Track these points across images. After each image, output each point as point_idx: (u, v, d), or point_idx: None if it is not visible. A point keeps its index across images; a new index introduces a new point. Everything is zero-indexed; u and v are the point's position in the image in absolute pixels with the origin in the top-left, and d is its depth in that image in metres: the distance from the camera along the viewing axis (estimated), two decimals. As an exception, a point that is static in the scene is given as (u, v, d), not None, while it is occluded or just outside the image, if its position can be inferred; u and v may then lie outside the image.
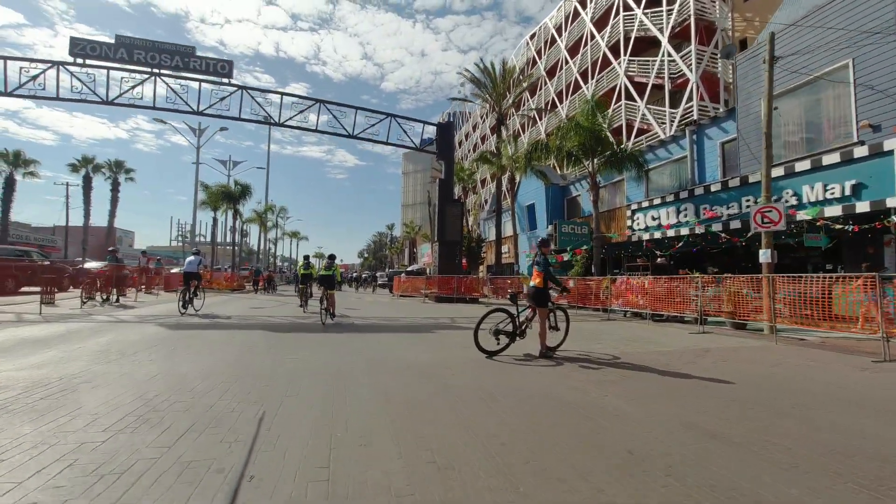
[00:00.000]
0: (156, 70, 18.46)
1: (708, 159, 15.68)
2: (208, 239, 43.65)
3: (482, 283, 21.65)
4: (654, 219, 16.74)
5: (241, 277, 26.63)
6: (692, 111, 21.13)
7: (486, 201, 49.53)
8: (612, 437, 3.00)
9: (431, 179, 43.28)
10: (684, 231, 14.97)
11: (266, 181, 35.36)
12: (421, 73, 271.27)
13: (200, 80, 19.04)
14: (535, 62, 37.90)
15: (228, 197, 28.96)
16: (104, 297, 14.15)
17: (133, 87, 18.41)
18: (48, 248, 51.55)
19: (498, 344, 5.97)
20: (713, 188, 14.16)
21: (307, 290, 14.08)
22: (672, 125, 22.10)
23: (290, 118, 20.27)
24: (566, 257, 20.08)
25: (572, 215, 24.73)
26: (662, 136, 20.20)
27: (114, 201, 44.59)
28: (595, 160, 16.57)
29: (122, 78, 18.36)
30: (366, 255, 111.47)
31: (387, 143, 21.58)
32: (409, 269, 38.43)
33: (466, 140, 59.06)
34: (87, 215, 43.70)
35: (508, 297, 6.13)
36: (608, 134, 17.51)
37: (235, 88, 19.52)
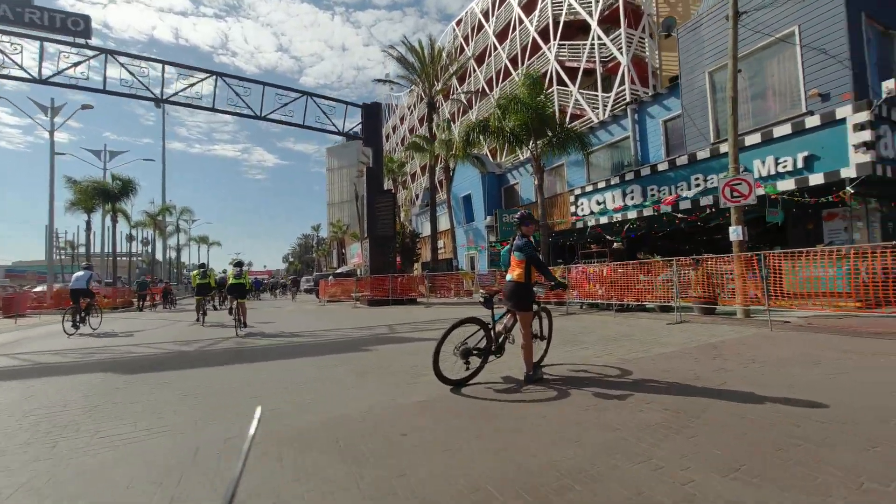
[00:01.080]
0: (-27, 22, 13.86)
1: (651, 139, 15.09)
2: (97, 249, 36.55)
3: (419, 282, 19.62)
4: (598, 203, 15.87)
5: (127, 292, 21.90)
6: (625, 94, 20.88)
7: (417, 196, 47.54)
8: None
9: (358, 174, 40.31)
10: (632, 214, 14.18)
11: (162, 176, 29.84)
12: (342, 68, 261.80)
13: (42, 39, 14.69)
14: (462, 49, 36.54)
15: (105, 195, 23.69)
16: None
17: (-58, 46, 13.64)
18: None
19: (467, 368, 3.99)
20: (660, 168, 13.45)
21: (204, 302, 12.63)
22: (606, 109, 21.75)
23: (177, 94, 16.56)
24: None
25: (511, 204, 23.59)
26: (596, 121, 19.62)
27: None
28: (539, 141, 15.28)
29: (-79, 31, 13.52)
30: (291, 260, 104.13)
31: (303, 127, 18.64)
32: (338, 271, 35.25)
33: (394, 133, 56.57)
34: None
35: (482, 300, 4.16)
36: (554, 111, 16.35)
37: (96, 51, 15.42)
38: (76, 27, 14.96)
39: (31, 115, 20.10)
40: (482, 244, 23.20)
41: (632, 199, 14.31)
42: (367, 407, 3.50)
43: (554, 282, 4.02)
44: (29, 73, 14.68)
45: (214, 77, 17.09)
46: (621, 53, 21.21)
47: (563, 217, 19.13)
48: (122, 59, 15.93)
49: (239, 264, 10.94)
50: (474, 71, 35.67)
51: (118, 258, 45.90)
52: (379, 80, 24.63)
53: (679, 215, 12.50)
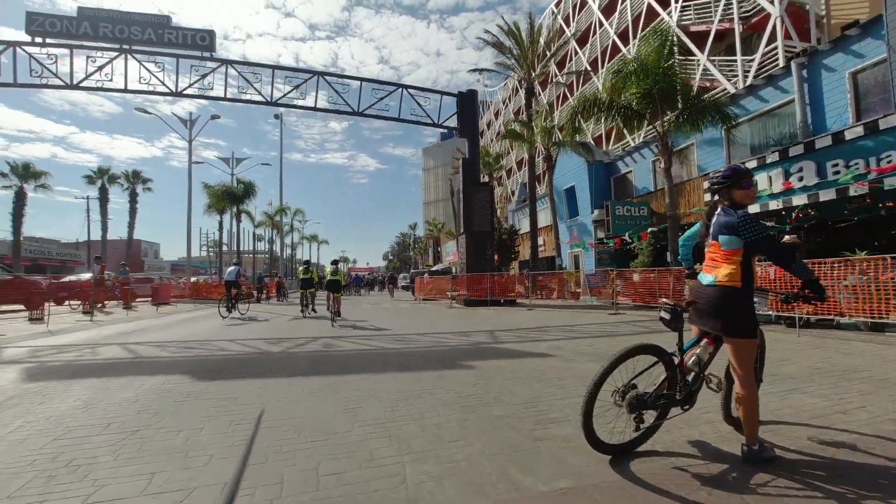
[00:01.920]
0: (125, 45, 15.76)
1: (830, 99, 11.52)
2: (233, 247, 41.45)
3: (519, 281, 17.99)
4: (746, 188, 12.68)
5: (250, 286, 23.95)
6: (776, 55, 16.79)
7: (512, 193, 45.68)
8: None
9: (453, 171, 39.84)
10: (799, 200, 10.87)
11: (280, 177, 32.93)
12: (437, 73, 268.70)
13: (178, 56, 16.23)
14: (562, 32, 33.79)
15: (232, 197, 26.30)
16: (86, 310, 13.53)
17: (101, 68, 15.73)
18: (71, 262, 51.28)
19: (638, 428, 2.42)
20: (848, 135, 10.06)
21: (307, 294, 13.24)
22: (748, 77, 17.78)
23: (284, 96, 17.22)
24: (630, 242, 16.05)
25: (622, 196, 20.70)
26: (734, 91, 15.95)
27: (132, 212, 43.26)
28: (667, 117, 12.66)
29: (87, 57, 15.72)
30: (390, 258, 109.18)
31: (399, 120, 18.26)
32: (434, 268, 35.09)
33: (488, 129, 55.33)
34: (104, 228, 42.34)
35: (664, 316, 2.53)
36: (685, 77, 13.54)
37: (218, 63, 16.61)
38: (203, 42, 16.28)
39: (174, 128, 22.84)
40: (589, 241, 20.71)
41: (800, 179, 11.03)
42: (471, 494, 2.13)
43: (810, 286, 2.25)
44: (169, 88, 16.31)
45: (317, 77, 17.46)
46: (771, 3, 17.10)
47: (689, 208, 15.97)
48: (240, 68, 17.01)
49: (335, 262, 12.27)
50: (576, 54, 32.74)
51: (244, 254, 51.81)
52: (474, 70, 23.38)
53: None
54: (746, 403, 2.31)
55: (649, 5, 23.90)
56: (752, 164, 12.58)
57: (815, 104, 11.87)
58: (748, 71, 18.02)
